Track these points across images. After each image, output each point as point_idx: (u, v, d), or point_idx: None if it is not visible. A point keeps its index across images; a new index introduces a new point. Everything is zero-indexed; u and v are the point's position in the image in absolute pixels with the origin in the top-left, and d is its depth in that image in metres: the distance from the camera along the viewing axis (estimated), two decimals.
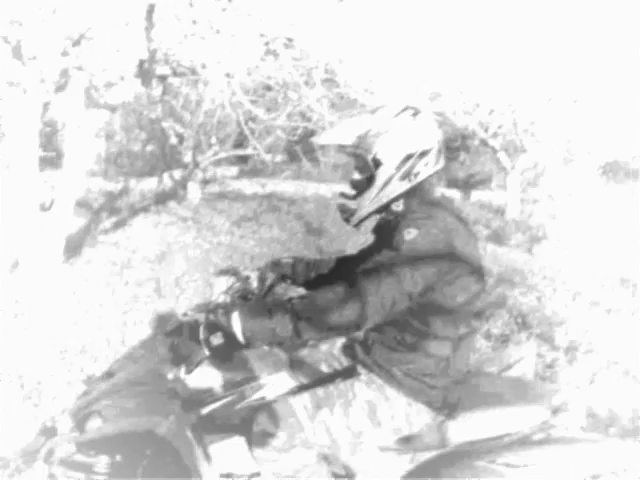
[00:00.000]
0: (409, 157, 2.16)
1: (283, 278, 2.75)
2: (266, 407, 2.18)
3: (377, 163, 2.17)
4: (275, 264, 2.74)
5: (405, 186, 2.19)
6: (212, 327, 1.97)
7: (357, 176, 2.27)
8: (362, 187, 2.24)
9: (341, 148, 2.27)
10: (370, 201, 2.22)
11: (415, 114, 2.21)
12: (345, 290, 1.97)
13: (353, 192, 2.29)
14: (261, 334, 1.95)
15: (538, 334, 5.26)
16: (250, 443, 2.14)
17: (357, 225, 2.31)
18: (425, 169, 2.20)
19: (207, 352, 1.96)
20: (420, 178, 2.20)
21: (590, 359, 4.79)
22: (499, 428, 2.16)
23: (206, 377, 2.27)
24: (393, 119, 2.19)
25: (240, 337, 1.94)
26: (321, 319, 1.94)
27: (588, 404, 3.82)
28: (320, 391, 2.20)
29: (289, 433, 2.10)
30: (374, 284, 1.96)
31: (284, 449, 2.09)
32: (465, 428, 2.17)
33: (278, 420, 2.11)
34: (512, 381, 2.40)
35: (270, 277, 2.69)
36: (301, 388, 2.29)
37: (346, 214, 2.30)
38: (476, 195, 15.97)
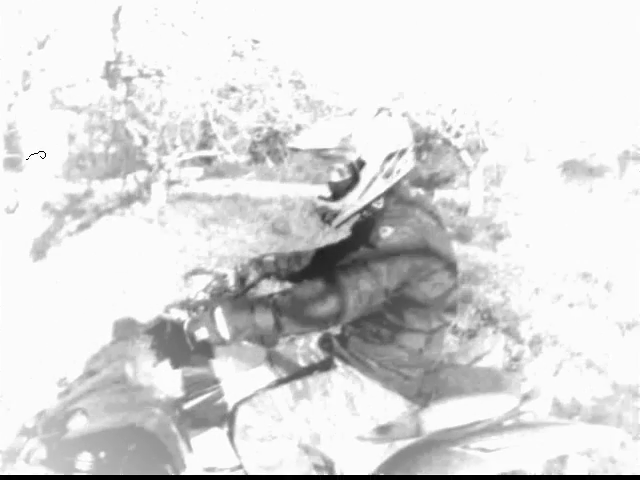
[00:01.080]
0: (391, 156, 2.24)
1: (267, 276, 2.80)
2: (246, 399, 2.23)
3: (361, 164, 2.24)
4: (258, 263, 2.78)
5: (388, 184, 2.27)
6: (196, 323, 2.02)
7: (336, 178, 2.32)
8: (343, 188, 2.29)
9: (321, 152, 2.30)
10: (356, 200, 2.28)
11: (390, 114, 2.30)
12: (324, 285, 2.03)
13: (330, 194, 2.35)
14: (244, 329, 2.00)
15: (504, 328, 5.37)
16: (231, 435, 2.19)
17: (339, 226, 2.37)
18: (404, 166, 2.28)
19: (192, 347, 2.00)
20: (400, 175, 2.28)
21: (554, 351, 4.91)
22: (471, 416, 2.24)
23: (166, 376, 2.31)
24: (372, 120, 2.27)
25: (224, 332, 1.99)
26: (302, 313, 2.00)
27: (553, 394, 3.94)
28: (299, 383, 2.25)
29: (269, 424, 2.15)
30: (352, 279, 2.02)
31: (265, 440, 2.14)
32: (439, 416, 2.25)
33: (259, 412, 2.16)
34: (482, 372, 2.49)
35: (252, 275, 2.74)
36: (280, 381, 2.34)
37: (328, 216, 2.35)
38: (439, 194, 16.10)
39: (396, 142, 2.26)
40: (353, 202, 2.28)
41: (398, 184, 2.30)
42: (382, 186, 2.26)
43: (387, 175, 2.25)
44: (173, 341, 2.04)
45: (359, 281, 2.02)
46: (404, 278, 2.10)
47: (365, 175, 2.24)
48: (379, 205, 2.30)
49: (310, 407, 2.19)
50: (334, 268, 2.08)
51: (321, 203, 2.37)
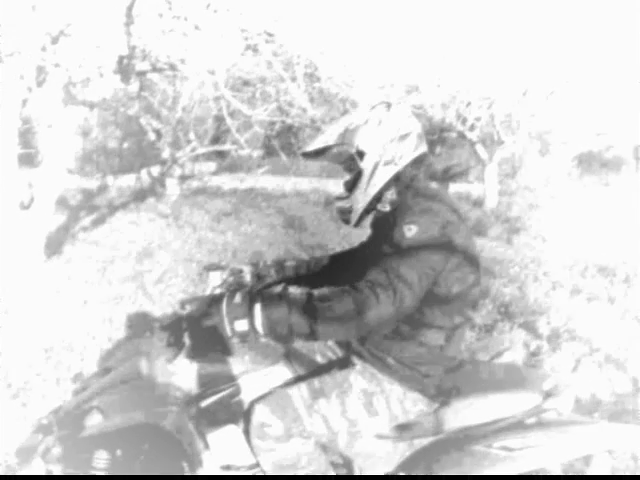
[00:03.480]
0: (390, 141, 2.22)
1: (286, 280, 2.75)
2: (264, 398, 2.20)
3: (361, 154, 2.22)
4: (280, 266, 2.74)
5: (392, 170, 2.23)
6: (235, 312, 1.92)
7: (348, 177, 2.32)
8: (353, 184, 2.28)
9: (328, 152, 2.29)
10: (362, 193, 2.25)
11: (389, 106, 2.29)
12: (369, 287, 1.94)
13: (346, 193, 2.33)
14: (280, 328, 1.92)
15: (521, 323, 5.32)
16: (248, 433, 2.16)
17: (357, 224, 2.34)
18: (408, 152, 2.24)
19: (233, 338, 1.94)
20: (405, 161, 2.24)
21: (573, 346, 4.86)
22: (493, 413, 2.20)
23: (182, 373, 2.29)
24: (369, 112, 2.26)
25: (260, 328, 1.93)
26: (356, 321, 1.91)
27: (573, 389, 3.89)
28: (316, 381, 2.21)
29: (287, 423, 2.11)
30: (394, 271, 1.96)
31: (282, 439, 2.11)
32: (460, 414, 2.21)
33: (276, 410, 2.13)
34: (503, 368, 2.45)
35: (271, 277, 2.71)
36: (298, 379, 2.31)
37: (344, 215, 2.34)
38: (454, 187, 16.04)
39: (394, 128, 2.23)
40: (361, 194, 2.26)
41: (413, 177, 2.27)
42: (386, 174, 2.23)
43: (389, 161, 2.22)
44: (190, 337, 2.01)
45: (400, 269, 1.96)
46: (433, 279, 2.06)
47: (366, 165, 2.22)
48: (393, 196, 2.26)
49: (328, 406, 2.16)
50: (371, 271, 2.01)
51: (337, 204, 2.36)
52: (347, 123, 2.25)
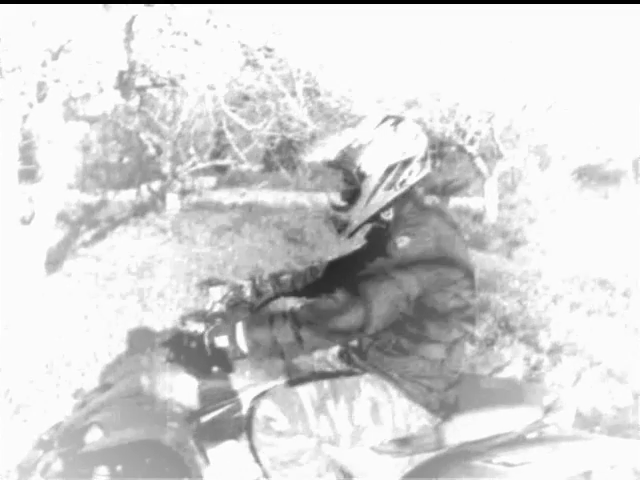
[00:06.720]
0: (392, 168, 2.21)
1: (283, 294, 2.78)
2: (270, 393, 2.20)
3: (362, 175, 2.22)
4: (276, 280, 2.76)
5: (392, 195, 2.24)
6: (217, 331, 2.01)
7: (346, 187, 2.32)
8: (351, 198, 2.28)
9: (329, 164, 2.31)
10: (359, 211, 2.26)
11: (396, 123, 2.26)
12: (347, 296, 2.01)
13: (343, 203, 2.33)
14: (263, 343, 1.97)
15: (522, 337, 5.31)
16: (250, 426, 2.15)
17: (351, 236, 2.35)
18: (410, 177, 2.24)
19: (209, 353, 1.98)
20: (406, 186, 2.25)
21: (574, 360, 4.85)
22: (493, 428, 2.19)
23: (183, 388, 2.29)
24: (374, 130, 2.24)
25: (243, 346, 1.97)
26: (325, 326, 1.97)
27: (575, 405, 3.88)
28: (326, 383, 2.22)
29: (292, 420, 2.11)
30: (374, 289, 2.00)
31: (286, 435, 2.11)
32: (460, 429, 2.20)
33: (282, 406, 2.12)
34: (504, 382, 2.45)
35: (267, 290, 2.72)
36: (305, 380, 2.31)
37: (339, 225, 2.34)
38: (454, 201, 16.04)
39: (398, 153, 2.22)
40: (358, 213, 2.27)
41: (412, 192, 2.27)
42: (384, 198, 2.24)
43: (389, 187, 2.23)
44: (190, 353, 2.02)
45: (381, 291, 2.00)
46: (424, 287, 2.07)
47: (366, 187, 2.23)
48: (388, 216, 2.28)
49: (335, 409, 2.16)
50: (355, 278, 2.06)
51: (332, 213, 2.38)
52: (351, 140, 2.24)
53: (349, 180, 2.29)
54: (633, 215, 12.28)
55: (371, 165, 2.21)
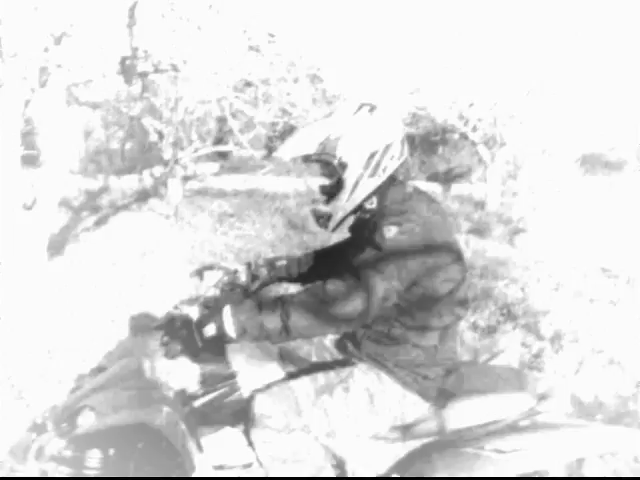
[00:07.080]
0: (374, 154, 2.19)
1: (277, 279, 2.78)
2: (265, 389, 2.20)
3: (343, 166, 2.19)
4: (271, 265, 2.75)
5: (375, 182, 2.23)
6: (204, 320, 2.01)
7: (324, 181, 2.29)
8: (332, 191, 2.26)
9: (306, 158, 2.26)
10: (344, 203, 2.24)
11: (372, 109, 2.24)
12: (347, 283, 2.00)
13: (324, 197, 2.31)
14: (250, 328, 1.98)
15: (523, 325, 5.31)
16: (248, 424, 2.16)
17: (334, 229, 2.33)
18: (391, 162, 2.23)
19: (200, 344, 2.00)
20: (388, 172, 2.23)
21: (575, 348, 4.85)
22: (487, 415, 2.21)
23: (184, 371, 2.30)
24: (351, 119, 2.21)
25: (231, 331, 1.97)
26: (320, 314, 1.96)
27: (574, 392, 3.89)
28: (321, 377, 2.22)
29: (288, 416, 2.12)
30: (367, 280, 2.00)
31: (282, 432, 2.12)
32: (455, 416, 2.21)
33: (277, 402, 2.13)
34: (498, 370, 2.45)
35: (263, 275, 2.72)
36: (301, 373, 2.31)
37: (322, 219, 2.32)
38: (456, 188, 16.02)
39: (378, 139, 2.20)
40: (342, 205, 2.25)
41: (392, 180, 2.26)
42: (369, 186, 2.22)
43: (372, 174, 2.21)
44: (183, 337, 2.03)
45: (375, 281, 1.99)
46: (414, 276, 2.07)
47: (349, 177, 2.20)
48: (372, 205, 2.26)
49: (330, 402, 2.17)
50: (349, 269, 2.05)
51: (313, 207, 2.34)
52: (328, 131, 2.20)
53: (327, 173, 2.26)
54: (636, 203, 12.24)
55: (353, 154, 2.18)
